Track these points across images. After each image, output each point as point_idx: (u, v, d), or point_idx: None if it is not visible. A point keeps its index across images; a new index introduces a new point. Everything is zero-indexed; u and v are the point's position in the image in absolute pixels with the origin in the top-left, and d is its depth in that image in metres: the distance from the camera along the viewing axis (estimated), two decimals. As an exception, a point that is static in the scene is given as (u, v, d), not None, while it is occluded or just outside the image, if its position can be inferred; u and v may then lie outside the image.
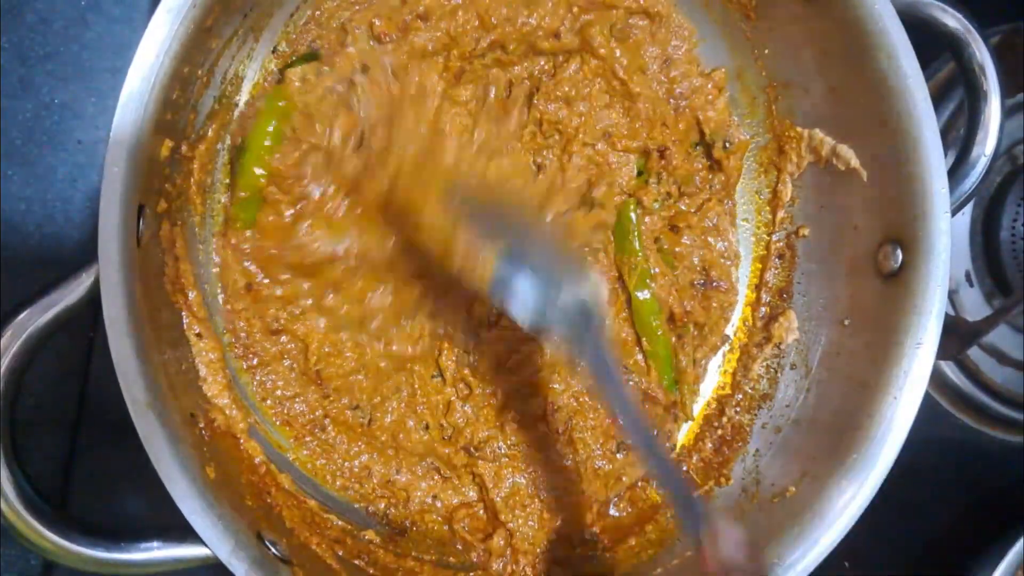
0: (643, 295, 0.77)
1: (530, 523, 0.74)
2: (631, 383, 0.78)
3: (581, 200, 0.77)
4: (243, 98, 0.71)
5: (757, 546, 0.63)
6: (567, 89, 0.75)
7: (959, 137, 0.72)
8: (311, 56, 0.70)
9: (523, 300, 0.59)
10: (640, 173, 0.78)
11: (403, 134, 0.67)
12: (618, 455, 0.77)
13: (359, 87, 0.67)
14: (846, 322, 0.72)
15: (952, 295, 0.96)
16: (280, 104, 0.68)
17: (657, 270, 0.77)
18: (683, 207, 0.79)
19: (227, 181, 0.71)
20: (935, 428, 0.96)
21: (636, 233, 0.77)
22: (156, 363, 0.57)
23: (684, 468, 0.79)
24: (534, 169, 0.77)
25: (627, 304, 0.78)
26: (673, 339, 0.78)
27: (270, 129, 0.68)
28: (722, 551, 0.52)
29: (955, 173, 0.69)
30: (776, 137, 0.79)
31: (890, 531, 0.89)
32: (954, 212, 0.65)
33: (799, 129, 0.76)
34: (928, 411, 0.71)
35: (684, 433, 0.81)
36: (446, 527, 0.74)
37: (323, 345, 0.72)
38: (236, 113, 0.70)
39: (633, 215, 0.77)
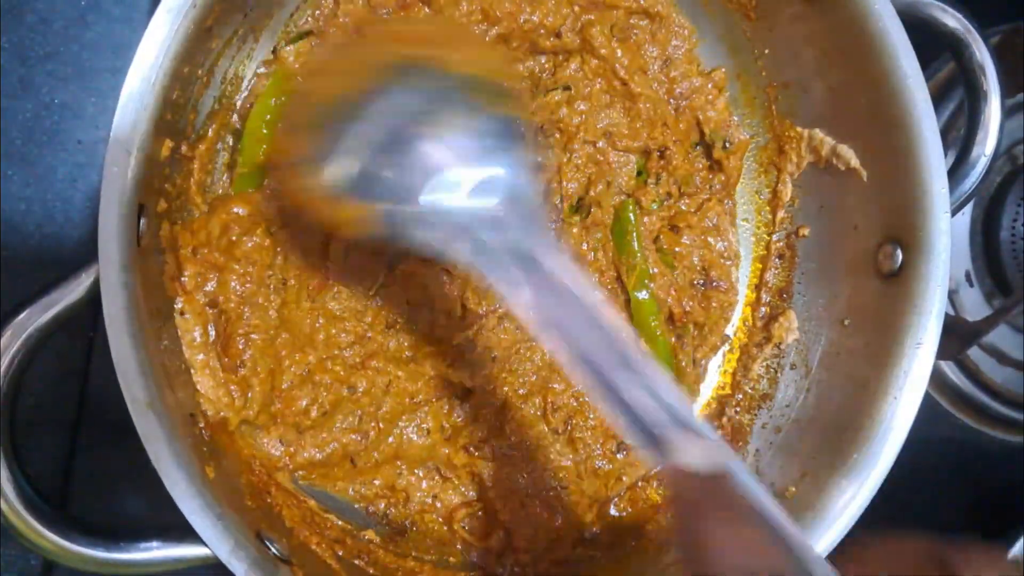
0: (642, 295, 0.77)
1: (530, 523, 0.74)
2: None
3: (577, 205, 0.77)
4: (243, 95, 0.71)
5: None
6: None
7: (959, 137, 0.72)
8: (304, 35, 0.71)
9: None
10: (640, 173, 0.78)
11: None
12: (618, 455, 0.77)
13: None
14: (846, 322, 0.72)
15: (952, 295, 0.96)
16: (281, 81, 0.69)
17: (656, 270, 0.77)
18: (683, 207, 0.79)
19: (225, 182, 0.71)
20: (935, 428, 0.96)
21: (635, 233, 0.77)
22: (156, 363, 0.57)
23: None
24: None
25: (626, 305, 0.78)
26: (672, 339, 0.78)
27: (272, 103, 0.68)
28: (686, 461, 0.44)
29: (955, 173, 0.69)
30: (776, 137, 0.79)
31: (890, 531, 0.89)
32: (954, 212, 0.65)
33: (799, 129, 0.76)
34: (928, 411, 0.71)
35: (684, 433, 0.81)
36: (446, 527, 0.74)
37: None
38: (238, 101, 0.71)
39: (632, 215, 0.77)
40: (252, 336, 0.69)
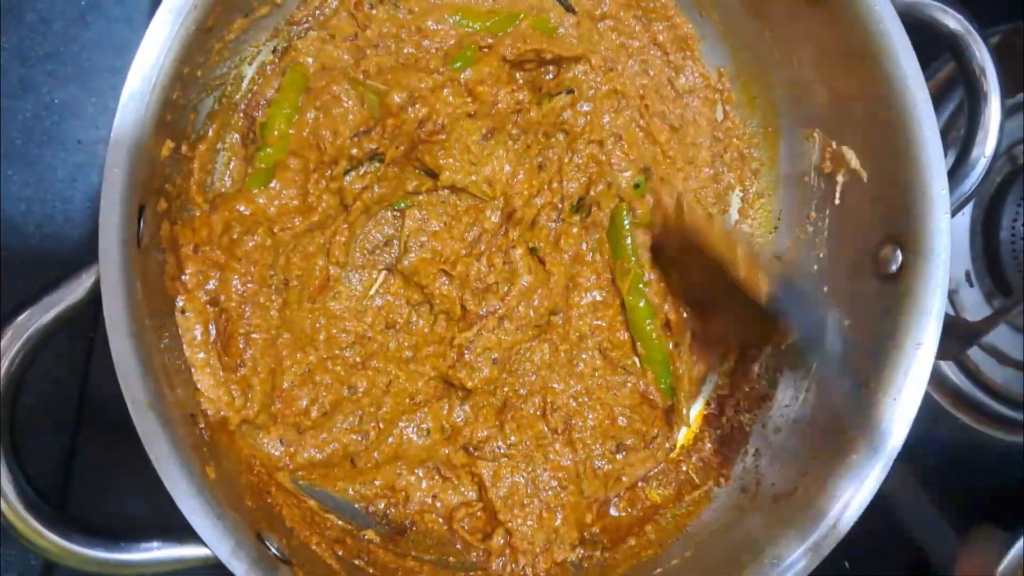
0: (635, 300, 0.77)
1: (529, 523, 0.74)
2: (629, 384, 0.78)
3: (577, 205, 0.77)
4: (242, 92, 0.71)
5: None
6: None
7: (959, 137, 0.72)
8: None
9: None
10: (637, 186, 0.78)
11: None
12: (618, 455, 0.77)
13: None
14: (846, 322, 0.72)
15: (952, 295, 0.96)
16: (298, 76, 0.70)
17: (651, 276, 0.77)
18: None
19: (230, 168, 0.71)
20: (935, 428, 0.96)
21: (628, 238, 0.77)
22: (156, 363, 0.57)
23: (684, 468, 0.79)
24: (536, 163, 0.77)
25: (621, 308, 0.78)
26: (670, 346, 0.78)
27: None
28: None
29: (955, 173, 0.69)
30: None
31: (890, 530, 0.89)
32: (954, 212, 0.65)
33: (799, 130, 0.76)
34: (928, 411, 0.71)
35: (683, 434, 0.81)
36: (446, 527, 0.74)
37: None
38: (244, 89, 0.71)
39: (626, 219, 0.77)
40: (253, 335, 0.69)
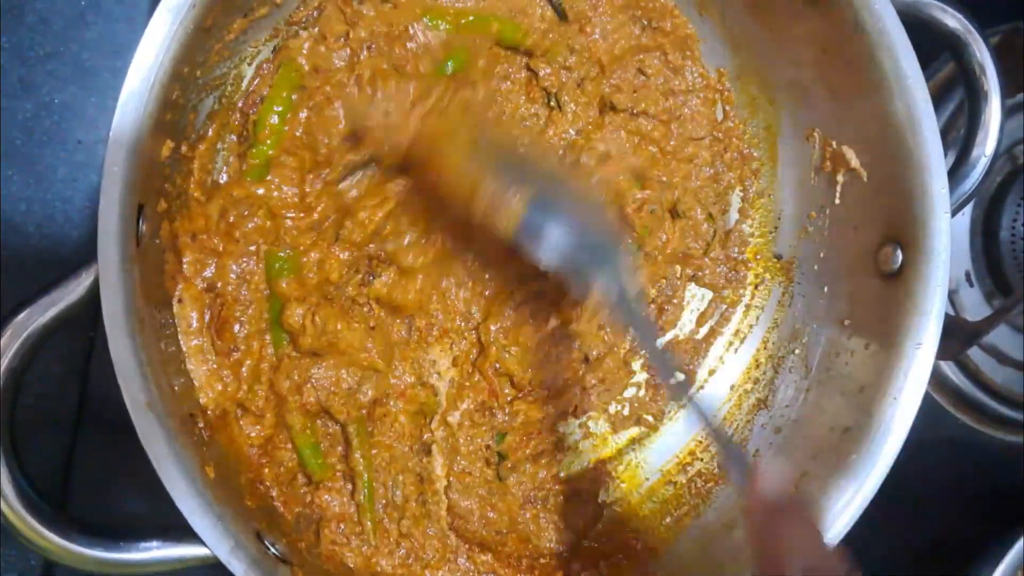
0: None
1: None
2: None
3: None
4: (241, 92, 0.70)
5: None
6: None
7: (959, 137, 0.72)
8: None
9: (551, 244, 0.61)
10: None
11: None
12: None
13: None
14: (846, 322, 0.72)
15: (952, 295, 0.96)
16: (291, 73, 0.69)
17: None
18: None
19: (228, 165, 0.71)
20: (935, 428, 0.96)
21: None
22: (156, 363, 0.57)
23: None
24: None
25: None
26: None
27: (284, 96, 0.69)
28: (763, 486, 0.52)
29: (955, 173, 0.69)
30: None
31: (890, 531, 0.89)
32: (954, 212, 0.65)
33: (800, 130, 0.76)
34: (928, 411, 0.70)
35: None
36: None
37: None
38: (243, 89, 0.70)
39: None
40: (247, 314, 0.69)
